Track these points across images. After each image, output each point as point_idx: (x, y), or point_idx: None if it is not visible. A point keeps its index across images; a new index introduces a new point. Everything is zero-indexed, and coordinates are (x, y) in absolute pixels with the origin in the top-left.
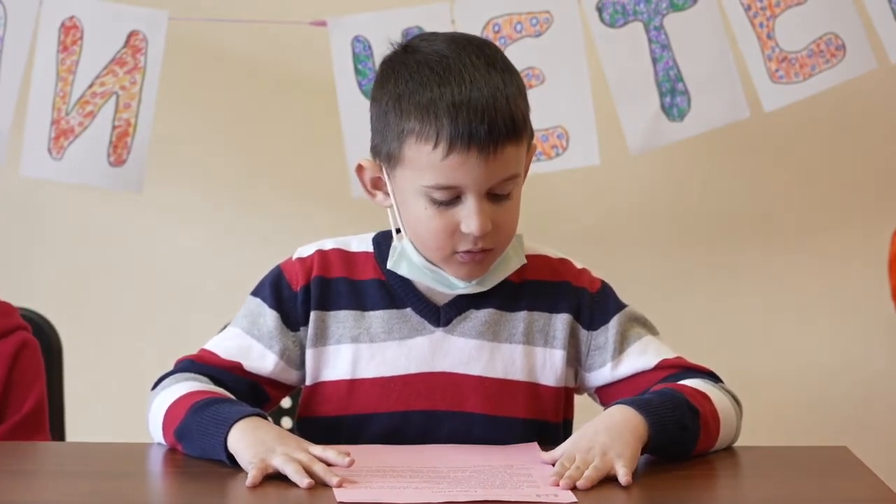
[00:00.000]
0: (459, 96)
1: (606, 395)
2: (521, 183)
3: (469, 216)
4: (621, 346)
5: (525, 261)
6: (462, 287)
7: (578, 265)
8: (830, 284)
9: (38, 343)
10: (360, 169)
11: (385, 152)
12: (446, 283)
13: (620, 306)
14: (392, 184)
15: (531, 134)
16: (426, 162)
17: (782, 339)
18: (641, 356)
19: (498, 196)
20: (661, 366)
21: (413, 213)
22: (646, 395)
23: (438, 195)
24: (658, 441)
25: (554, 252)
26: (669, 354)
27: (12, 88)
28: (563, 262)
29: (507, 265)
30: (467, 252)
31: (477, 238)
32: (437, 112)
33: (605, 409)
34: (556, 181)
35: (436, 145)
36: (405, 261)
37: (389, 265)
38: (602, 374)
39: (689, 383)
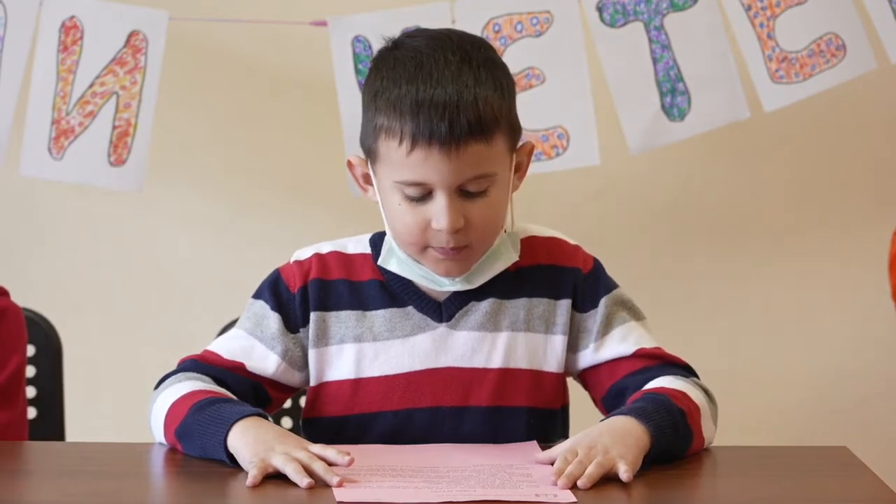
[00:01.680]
0: (423, 94)
1: (588, 377)
2: (504, 182)
3: (438, 212)
4: (604, 329)
5: (516, 258)
6: (449, 284)
7: (571, 242)
8: (830, 284)
9: (20, 310)
10: (349, 165)
11: (366, 147)
12: (434, 280)
13: (609, 288)
14: (375, 179)
15: (512, 133)
16: (395, 158)
17: (782, 339)
18: (622, 342)
19: (472, 193)
20: (638, 354)
21: (390, 208)
22: (638, 402)
23: (409, 191)
24: (659, 448)
25: (542, 230)
26: (648, 343)
27: (12, 88)
28: (555, 242)
29: (497, 262)
30: (441, 248)
31: (448, 234)
32: (402, 109)
33: (587, 390)
34: (556, 181)
35: (401, 142)
36: (394, 257)
37: (379, 261)
38: (586, 355)
39: (665, 383)
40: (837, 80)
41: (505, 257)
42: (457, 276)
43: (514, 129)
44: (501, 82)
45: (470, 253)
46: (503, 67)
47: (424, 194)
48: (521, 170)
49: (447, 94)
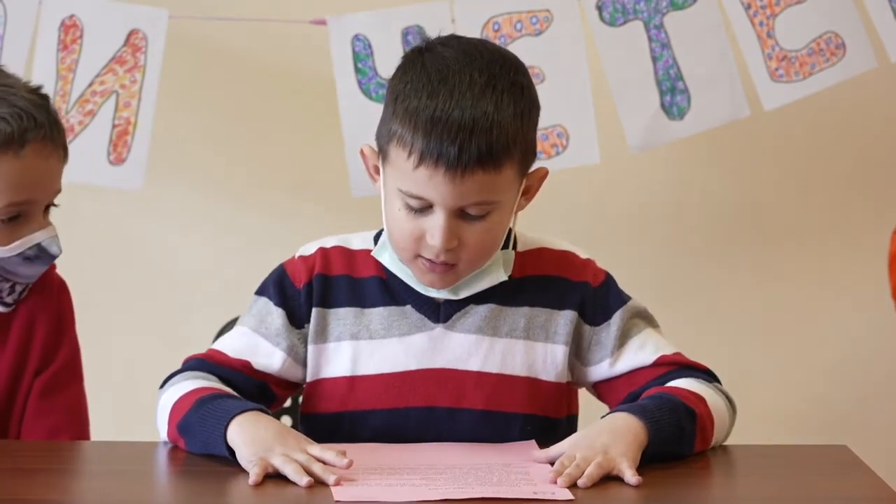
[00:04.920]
0: (440, 112)
1: (604, 390)
2: (507, 207)
3: (434, 229)
4: (621, 341)
5: (504, 278)
6: (434, 291)
7: (583, 255)
8: (830, 283)
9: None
10: (362, 153)
11: (380, 145)
12: (420, 284)
13: (622, 301)
14: (382, 176)
15: (524, 159)
16: (402, 167)
17: (782, 338)
18: (640, 352)
19: (471, 216)
20: (658, 362)
21: (390, 210)
22: (643, 400)
23: (410, 201)
24: (658, 446)
25: (556, 242)
26: (667, 350)
27: None
28: (566, 255)
29: (484, 279)
30: (430, 260)
31: (439, 251)
32: (417, 122)
33: (602, 402)
34: (555, 180)
35: (409, 154)
36: (387, 252)
37: (373, 252)
38: (600, 369)
39: (682, 384)
40: (837, 79)
41: (493, 275)
42: (440, 289)
43: (528, 155)
44: (523, 109)
45: (456, 272)
46: (529, 93)
47: (425, 207)
48: (529, 193)
49: (463, 118)
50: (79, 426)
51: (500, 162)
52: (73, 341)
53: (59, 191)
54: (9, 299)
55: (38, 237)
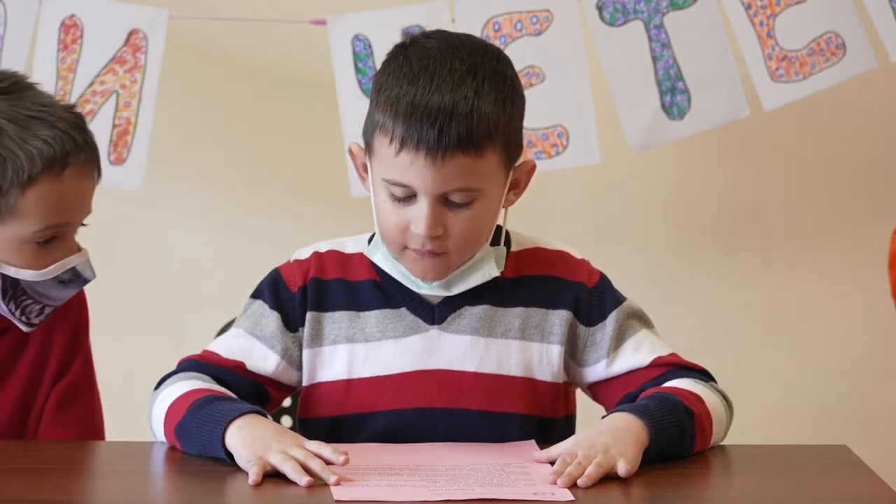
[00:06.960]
0: (421, 97)
1: (600, 391)
2: (493, 197)
3: (418, 217)
4: (617, 342)
5: (496, 273)
6: (426, 287)
7: (577, 256)
8: (830, 283)
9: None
10: (350, 152)
11: (365, 140)
12: (412, 281)
13: (618, 301)
14: (369, 171)
15: (509, 149)
16: (385, 155)
17: (782, 337)
18: (636, 353)
19: (455, 203)
20: (654, 363)
21: (377, 203)
22: (643, 401)
23: (395, 190)
24: (659, 446)
25: (551, 243)
26: (664, 351)
27: None
28: (560, 255)
29: (479, 273)
30: (418, 249)
31: (424, 239)
32: (397, 109)
33: (598, 403)
34: (555, 180)
35: (391, 141)
36: (380, 251)
37: (366, 252)
38: (596, 370)
39: (680, 384)
40: (837, 79)
41: (484, 271)
42: (432, 280)
43: (513, 146)
44: (505, 97)
45: (447, 260)
46: (512, 82)
47: (409, 196)
48: (518, 187)
49: (443, 102)
50: (94, 438)
51: (482, 146)
52: (87, 353)
53: (90, 212)
54: (36, 320)
55: (72, 261)
